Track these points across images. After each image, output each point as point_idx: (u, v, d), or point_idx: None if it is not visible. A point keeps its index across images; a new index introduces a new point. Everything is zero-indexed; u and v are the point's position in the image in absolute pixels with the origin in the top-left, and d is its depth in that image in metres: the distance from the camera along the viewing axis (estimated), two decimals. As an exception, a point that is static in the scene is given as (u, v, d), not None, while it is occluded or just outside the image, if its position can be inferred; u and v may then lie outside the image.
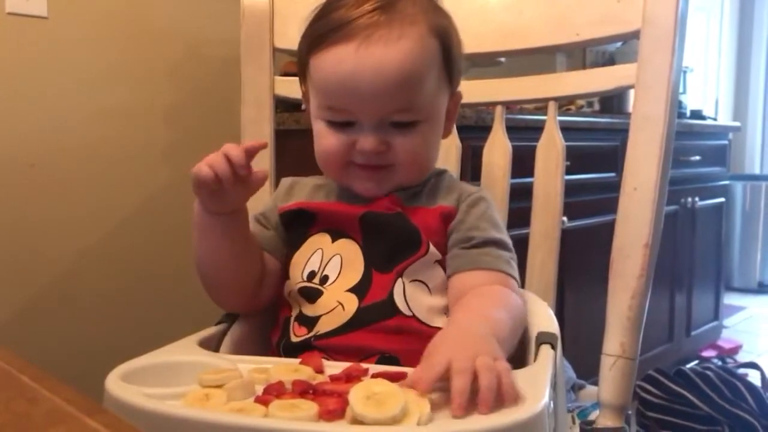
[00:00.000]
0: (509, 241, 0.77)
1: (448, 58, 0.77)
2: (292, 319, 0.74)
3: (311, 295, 0.73)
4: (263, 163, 0.95)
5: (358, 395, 0.49)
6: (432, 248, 0.73)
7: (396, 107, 0.72)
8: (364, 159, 0.75)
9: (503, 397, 0.51)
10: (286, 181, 0.86)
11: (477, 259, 0.73)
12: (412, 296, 0.71)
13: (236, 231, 0.74)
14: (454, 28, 0.79)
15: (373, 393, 0.49)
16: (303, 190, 0.83)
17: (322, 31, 0.73)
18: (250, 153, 0.68)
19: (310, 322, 0.72)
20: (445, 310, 0.73)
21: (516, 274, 0.75)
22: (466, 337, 0.58)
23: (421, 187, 0.80)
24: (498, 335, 0.60)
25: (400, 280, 0.72)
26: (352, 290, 0.72)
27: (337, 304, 0.72)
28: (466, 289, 0.71)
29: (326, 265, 0.74)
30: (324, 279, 0.74)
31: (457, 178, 0.86)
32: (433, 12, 0.76)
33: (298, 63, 0.80)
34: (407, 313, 0.71)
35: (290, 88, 0.98)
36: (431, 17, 0.75)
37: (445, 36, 0.76)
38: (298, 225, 0.79)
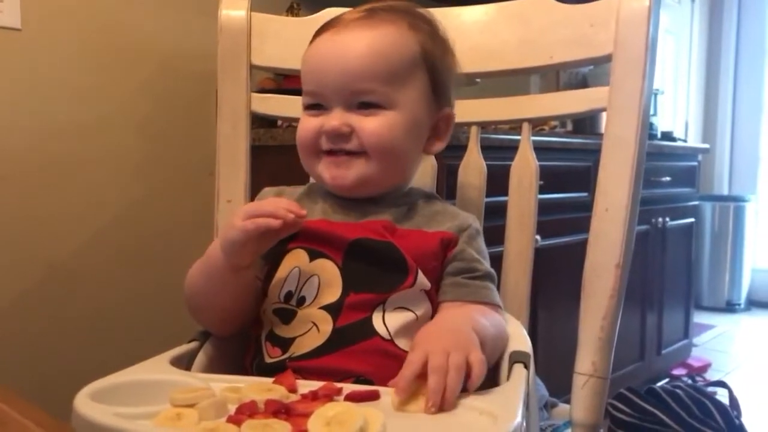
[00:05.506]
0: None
1: (433, 69, 0.79)
2: (263, 338, 0.73)
3: (285, 316, 0.72)
4: (239, 179, 0.95)
5: (316, 424, 0.49)
6: (420, 279, 0.72)
7: (361, 88, 0.74)
8: (329, 141, 0.76)
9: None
10: (270, 192, 0.84)
11: (478, 292, 0.75)
12: (393, 322, 0.70)
13: (251, 281, 0.75)
14: (449, 47, 0.82)
15: (330, 418, 0.50)
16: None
17: (314, 36, 0.80)
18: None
19: (284, 343, 0.71)
20: None
21: (502, 305, 0.78)
22: (444, 332, 0.63)
23: (410, 206, 0.79)
24: (478, 333, 0.64)
25: (381, 306, 0.71)
26: (325, 308, 0.71)
27: (311, 326, 0.70)
28: None
29: (303, 285, 0.73)
30: (301, 300, 0.73)
31: (451, 205, 0.85)
32: (424, 28, 0.80)
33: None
34: (386, 337, 0.69)
35: (266, 104, 0.98)
36: (417, 25, 0.79)
37: (430, 47, 0.79)
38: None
